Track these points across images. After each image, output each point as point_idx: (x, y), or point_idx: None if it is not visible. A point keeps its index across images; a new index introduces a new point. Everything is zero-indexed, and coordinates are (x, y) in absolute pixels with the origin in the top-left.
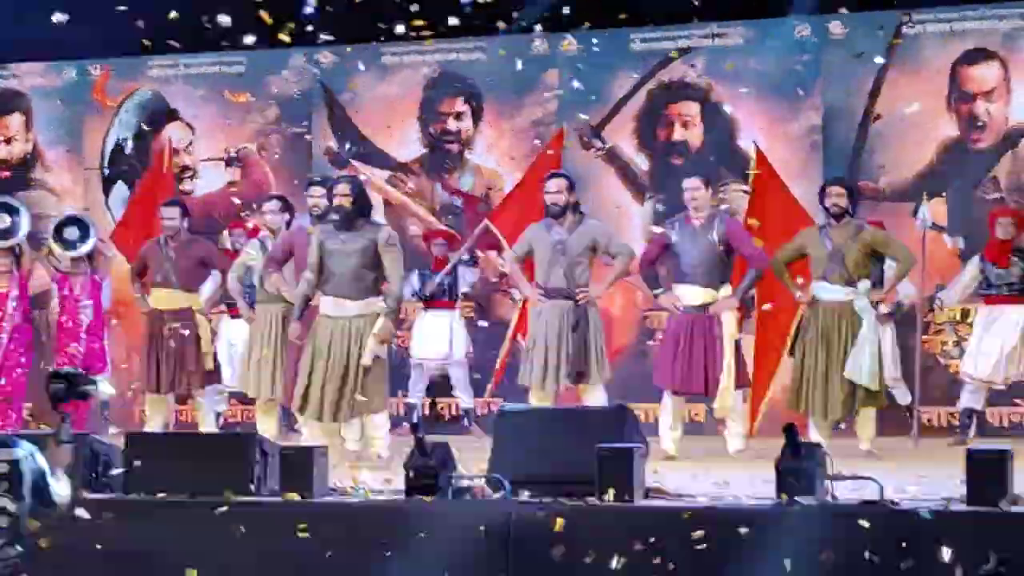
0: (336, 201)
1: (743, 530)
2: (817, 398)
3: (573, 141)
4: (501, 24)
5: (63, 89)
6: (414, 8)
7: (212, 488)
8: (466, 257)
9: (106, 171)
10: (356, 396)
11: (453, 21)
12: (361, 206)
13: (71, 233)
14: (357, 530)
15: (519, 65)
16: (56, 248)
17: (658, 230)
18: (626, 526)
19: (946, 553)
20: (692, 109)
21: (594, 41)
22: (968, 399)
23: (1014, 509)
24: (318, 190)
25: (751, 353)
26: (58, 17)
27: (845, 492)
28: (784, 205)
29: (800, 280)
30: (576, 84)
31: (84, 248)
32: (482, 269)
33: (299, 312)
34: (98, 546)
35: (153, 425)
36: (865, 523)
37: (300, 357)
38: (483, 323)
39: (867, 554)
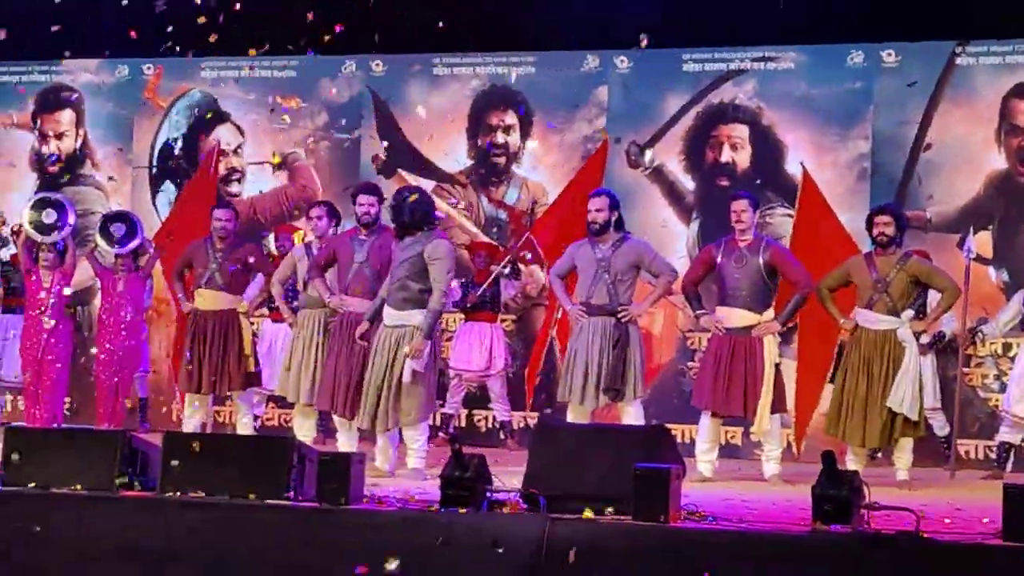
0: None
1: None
2: (855, 426)
3: (619, 157)
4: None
5: (115, 87)
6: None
7: (247, 491)
8: (508, 270)
9: (154, 170)
10: (389, 407)
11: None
12: (411, 218)
13: (117, 230)
14: (390, 540)
15: (570, 81)
16: (102, 243)
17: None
18: (660, 546)
19: None
20: (741, 131)
21: (646, 60)
22: (1006, 433)
23: None
24: (368, 198)
25: (791, 378)
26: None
27: (880, 521)
28: (829, 231)
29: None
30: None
31: (130, 245)
32: (524, 283)
33: (370, 313)
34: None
35: (190, 425)
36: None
37: (347, 364)
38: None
39: None
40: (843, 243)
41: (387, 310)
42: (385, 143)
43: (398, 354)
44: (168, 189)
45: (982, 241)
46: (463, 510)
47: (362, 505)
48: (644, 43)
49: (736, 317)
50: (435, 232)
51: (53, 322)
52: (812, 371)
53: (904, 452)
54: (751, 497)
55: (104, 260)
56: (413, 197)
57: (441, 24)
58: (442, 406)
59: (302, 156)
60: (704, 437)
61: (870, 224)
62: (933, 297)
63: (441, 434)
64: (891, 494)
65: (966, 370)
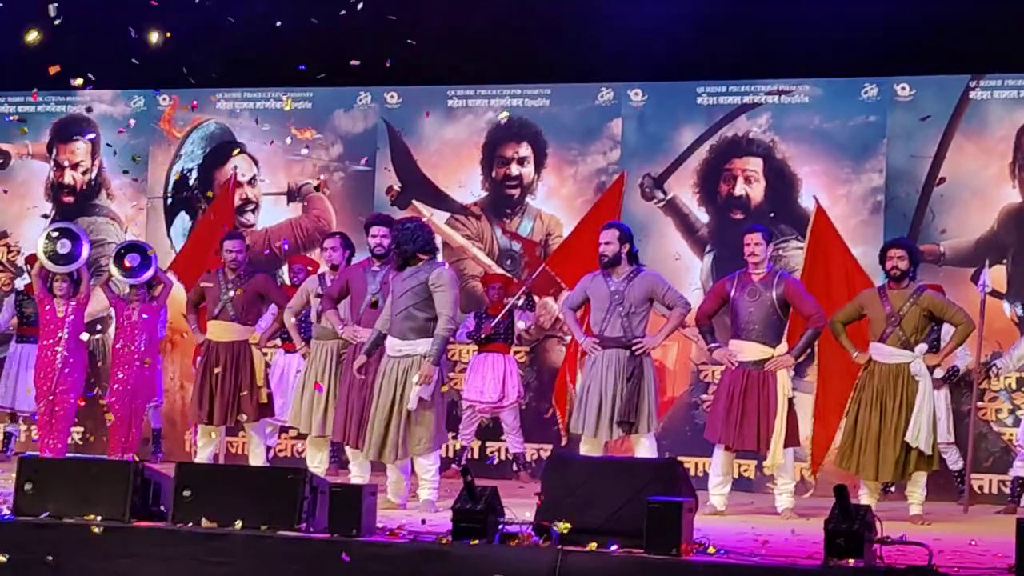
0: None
1: None
2: (868, 460)
3: (634, 190)
4: None
5: (131, 117)
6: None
7: (260, 522)
8: (522, 302)
9: (169, 200)
10: (398, 438)
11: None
12: (412, 249)
13: (132, 260)
14: (402, 571)
15: (584, 113)
16: (116, 273)
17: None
18: None
19: None
20: (755, 164)
21: (660, 93)
22: (1020, 468)
23: None
24: (380, 229)
25: (806, 412)
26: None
27: (893, 556)
28: (841, 264)
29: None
30: (639, 134)
31: (144, 276)
32: (538, 315)
33: (369, 346)
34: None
35: (203, 456)
36: None
37: (359, 395)
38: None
39: None
40: (855, 276)
41: (391, 341)
42: (401, 174)
43: (406, 385)
44: (183, 219)
45: (996, 275)
46: (475, 542)
47: (374, 537)
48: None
49: (749, 351)
50: (436, 261)
51: (64, 352)
52: (830, 405)
53: (917, 486)
54: (764, 531)
55: (118, 290)
56: (412, 227)
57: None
58: (454, 438)
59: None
60: (717, 470)
61: (883, 258)
62: (947, 331)
63: (454, 466)
64: (904, 529)
65: (980, 404)
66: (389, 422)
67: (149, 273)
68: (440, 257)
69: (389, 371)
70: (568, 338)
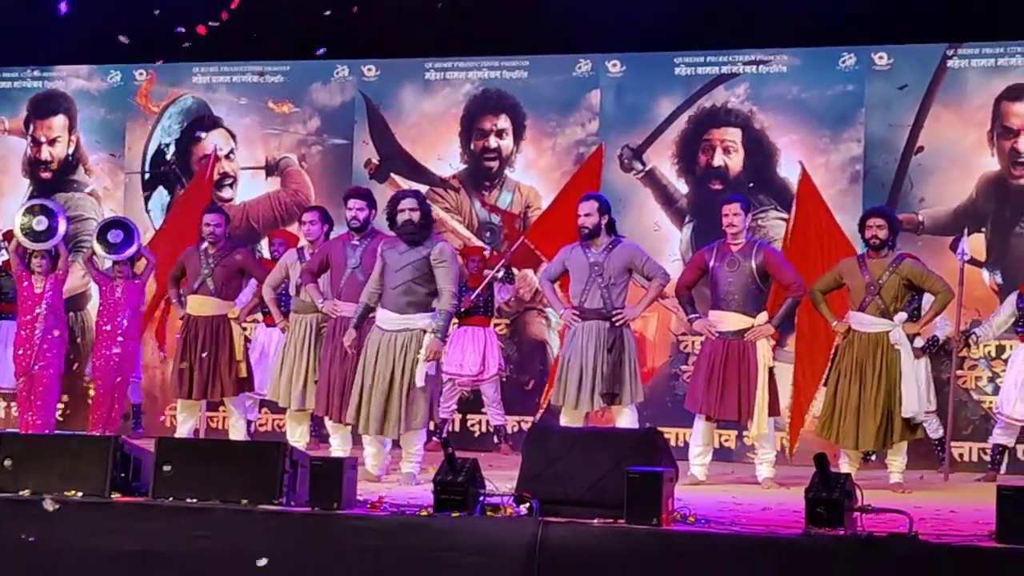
0: (405, 216)
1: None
2: (848, 429)
3: (613, 161)
4: None
5: (107, 92)
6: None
7: (240, 496)
8: (501, 274)
9: (147, 176)
10: (401, 412)
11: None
12: (426, 220)
13: (115, 236)
14: (383, 544)
15: (562, 85)
16: (99, 250)
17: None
18: (653, 550)
19: None
20: (734, 135)
21: (638, 64)
22: (1000, 435)
23: None
24: (357, 202)
25: (785, 381)
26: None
27: (873, 524)
28: (828, 231)
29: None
30: (617, 106)
31: (127, 252)
32: (517, 287)
33: (357, 320)
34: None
35: (183, 431)
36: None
37: (342, 368)
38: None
39: None
40: (840, 244)
41: (386, 314)
42: (379, 146)
43: (406, 359)
44: (160, 194)
45: (975, 243)
46: (456, 515)
47: (355, 510)
48: None
49: (729, 321)
50: (435, 236)
51: (43, 329)
52: (808, 374)
53: (898, 455)
54: (744, 500)
55: (101, 266)
56: (420, 202)
57: (433, 29)
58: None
59: (294, 161)
60: (697, 440)
61: (862, 227)
62: (929, 301)
63: (435, 438)
64: (885, 497)
65: (960, 373)
66: (389, 396)
67: (132, 249)
68: None
69: (385, 345)
70: (548, 310)
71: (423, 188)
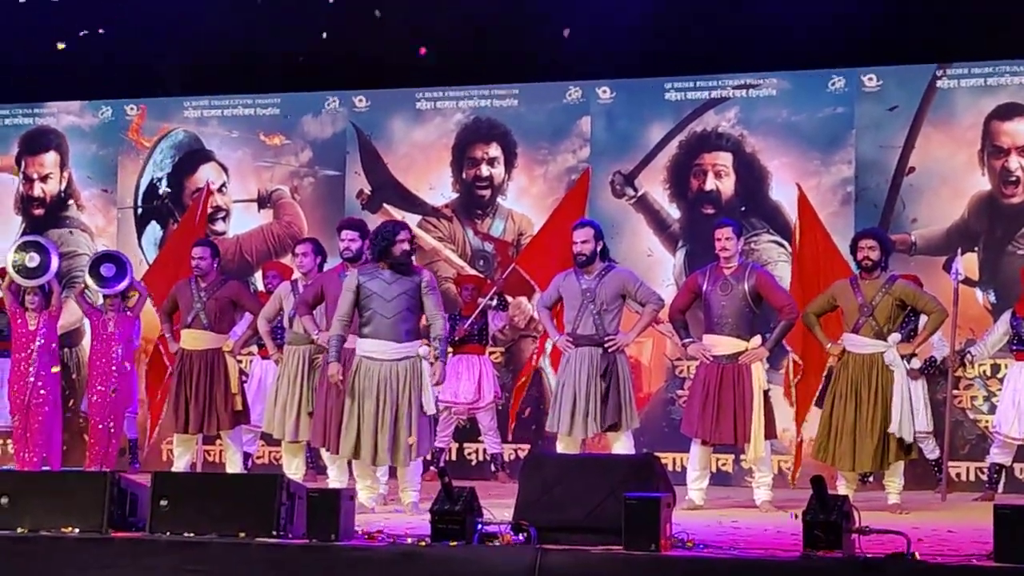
0: (404, 247)
1: None
2: (845, 451)
3: (605, 188)
4: None
5: (98, 128)
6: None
7: (237, 529)
8: (495, 302)
9: (139, 210)
10: (410, 440)
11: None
12: (410, 251)
13: (107, 270)
14: (383, 575)
15: (552, 112)
16: (92, 284)
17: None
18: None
19: None
20: (725, 159)
21: (628, 90)
22: (997, 454)
23: None
24: (350, 233)
25: (781, 404)
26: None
27: (871, 546)
28: (824, 254)
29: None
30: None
31: (119, 286)
32: (511, 315)
33: (336, 353)
34: None
35: (179, 465)
36: None
37: (338, 400)
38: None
39: None
40: (837, 265)
41: (381, 344)
42: (371, 177)
43: (410, 387)
44: (154, 229)
45: (968, 263)
46: (454, 543)
47: (353, 541)
48: None
49: (723, 345)
50: (415, 265)
51: (37, 366)
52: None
53: (895, 476)
54: (742, 524)
55: (93, 300)
56: (405, 233)
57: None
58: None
59: (287, 193)
60: (694, 465)
61: (854, 248)
62: (925, 321)
63: (432, 468)
64: (882, 518)
65: (956, 392)
66: (396, 427)
67: (125, 283)
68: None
69: (386, 374)
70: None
71: (416, 218)
